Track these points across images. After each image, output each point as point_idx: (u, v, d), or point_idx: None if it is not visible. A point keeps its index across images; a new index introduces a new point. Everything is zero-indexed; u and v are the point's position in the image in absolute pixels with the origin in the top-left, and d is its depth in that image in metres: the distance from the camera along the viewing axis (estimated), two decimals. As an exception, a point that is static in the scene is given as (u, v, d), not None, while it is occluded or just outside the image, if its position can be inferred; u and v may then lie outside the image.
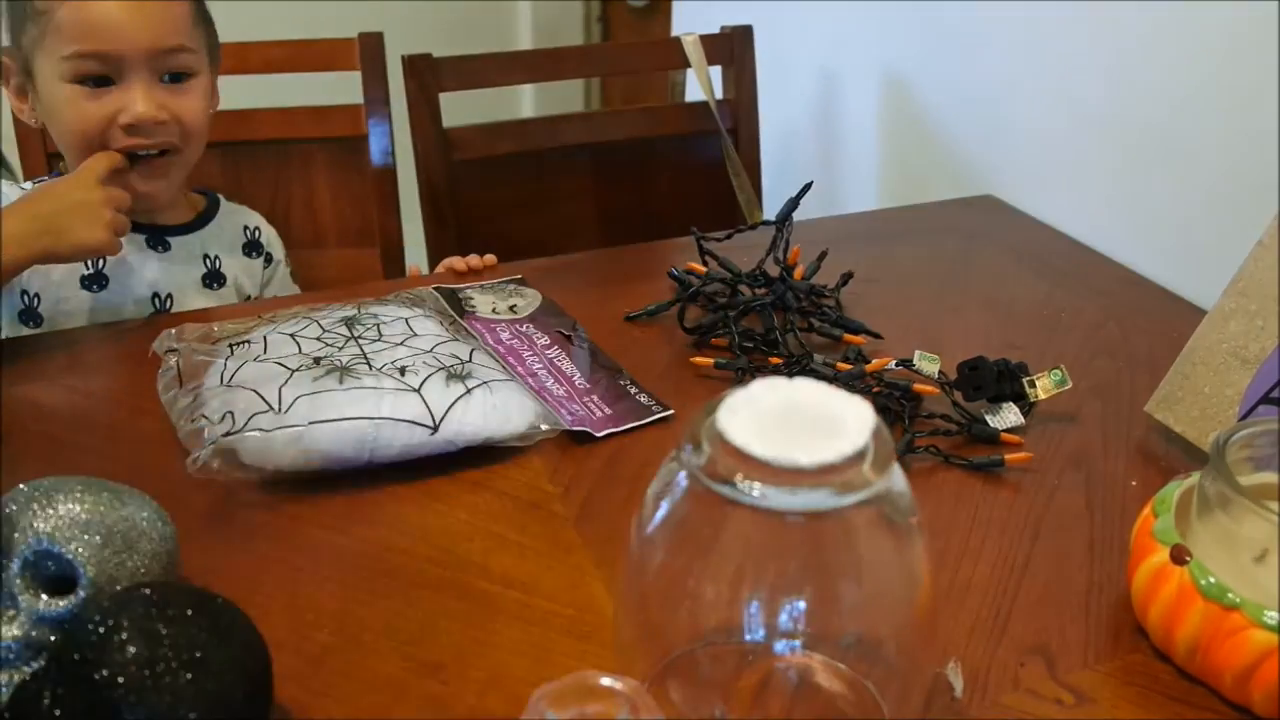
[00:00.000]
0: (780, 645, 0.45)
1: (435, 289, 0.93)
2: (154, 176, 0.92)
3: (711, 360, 0.84)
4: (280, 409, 0.68)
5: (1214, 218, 0.99)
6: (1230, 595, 0.53)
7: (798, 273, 0.94)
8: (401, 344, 0.78)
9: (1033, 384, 0.78)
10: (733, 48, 1.39)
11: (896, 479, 0.43)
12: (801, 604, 0.44)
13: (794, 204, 0.96)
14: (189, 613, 0.47)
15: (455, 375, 0.73)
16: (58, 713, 0.44)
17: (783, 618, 0.44)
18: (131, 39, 0.87)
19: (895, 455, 0.43)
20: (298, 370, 0.72)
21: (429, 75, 1.25)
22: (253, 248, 1.05)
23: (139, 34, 0.88)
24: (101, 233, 0.83)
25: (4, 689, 0.49)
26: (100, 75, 0.88)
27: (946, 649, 0.57)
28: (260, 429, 0.67)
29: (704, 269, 0.95)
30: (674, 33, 1.72)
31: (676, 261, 0.97)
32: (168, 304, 0.97)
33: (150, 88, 0.89)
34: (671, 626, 0.47)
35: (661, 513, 0.45)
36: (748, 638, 0.44)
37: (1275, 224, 0.72)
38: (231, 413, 0.68)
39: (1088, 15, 1.10)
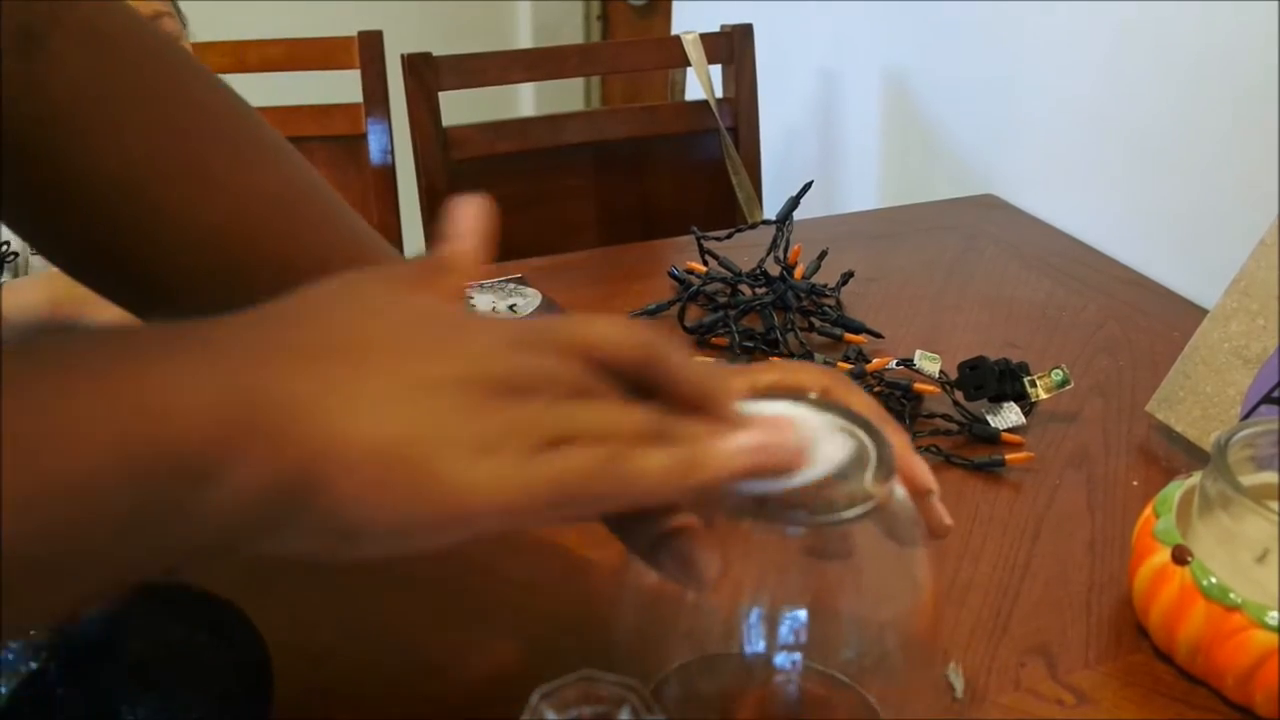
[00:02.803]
0: (780, 658, 0.44)
1: (435, 288, 0.93)
2: None
3: (712, 360, 0.84)
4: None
5: (1216, 217, 0.99)
6: (1232, 595, 0.53)
7: (798, 272, 0.94)
8: (401, 343, 0.77)
9: (1034, 383, 0.78)
10: (733, 46, 1.39)
11: (899, 488, 0.43)
12: (802, 616, 0.43)
13: (794, 203, 0.96)
14: (189, 612, 0.47)
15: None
16: (58, 713, 0.44)
17: (783, 630, 0.43)
18: None
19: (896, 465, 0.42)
20: (297, 369, 0.72)
21: (429, 74, 1.25)
22: None
23: None
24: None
25: (3, 690, 0.48)
26: None
27: (947, 650, 0.57)
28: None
29: (704, 268, 0.95)
30: (674, 31, 1.72)
31: (676, 261, 0.97)
32: None
33: None
34: (669, 638, 0.46)
35: None
36: (747, 650, 0.44)
37: (1277, 223, 0.72)
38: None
39: (1089, 14, 1.09)
